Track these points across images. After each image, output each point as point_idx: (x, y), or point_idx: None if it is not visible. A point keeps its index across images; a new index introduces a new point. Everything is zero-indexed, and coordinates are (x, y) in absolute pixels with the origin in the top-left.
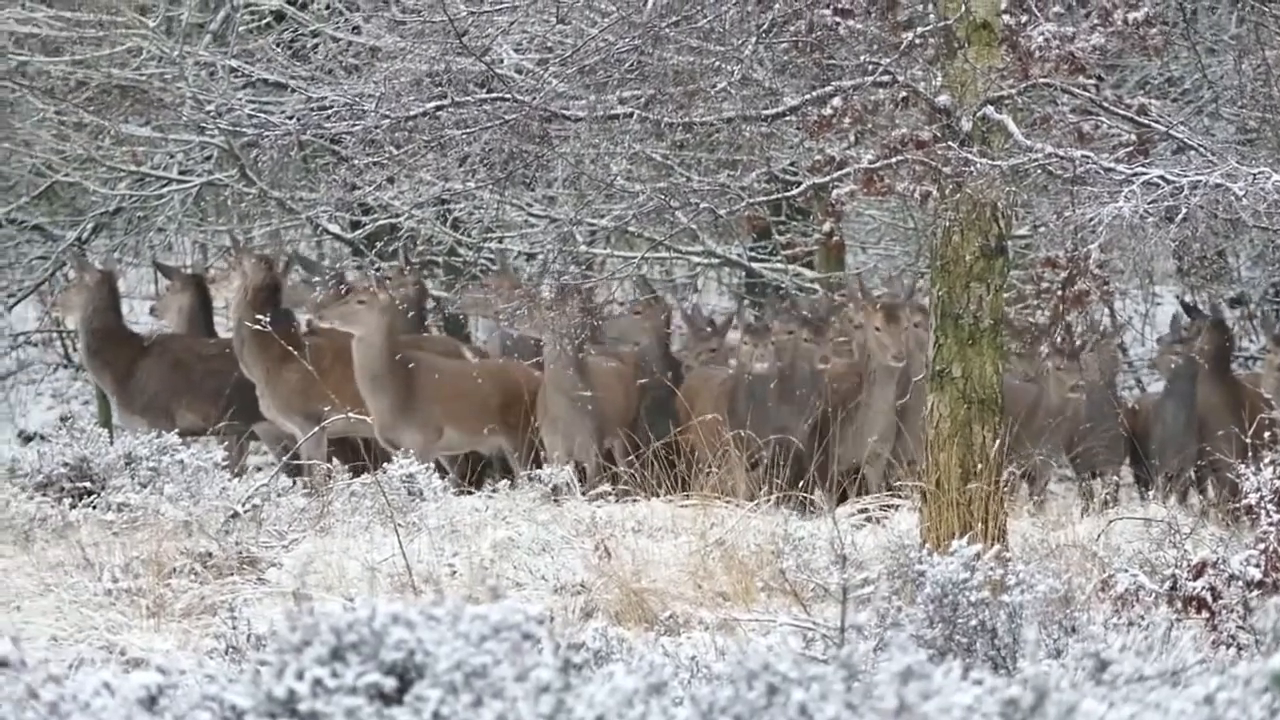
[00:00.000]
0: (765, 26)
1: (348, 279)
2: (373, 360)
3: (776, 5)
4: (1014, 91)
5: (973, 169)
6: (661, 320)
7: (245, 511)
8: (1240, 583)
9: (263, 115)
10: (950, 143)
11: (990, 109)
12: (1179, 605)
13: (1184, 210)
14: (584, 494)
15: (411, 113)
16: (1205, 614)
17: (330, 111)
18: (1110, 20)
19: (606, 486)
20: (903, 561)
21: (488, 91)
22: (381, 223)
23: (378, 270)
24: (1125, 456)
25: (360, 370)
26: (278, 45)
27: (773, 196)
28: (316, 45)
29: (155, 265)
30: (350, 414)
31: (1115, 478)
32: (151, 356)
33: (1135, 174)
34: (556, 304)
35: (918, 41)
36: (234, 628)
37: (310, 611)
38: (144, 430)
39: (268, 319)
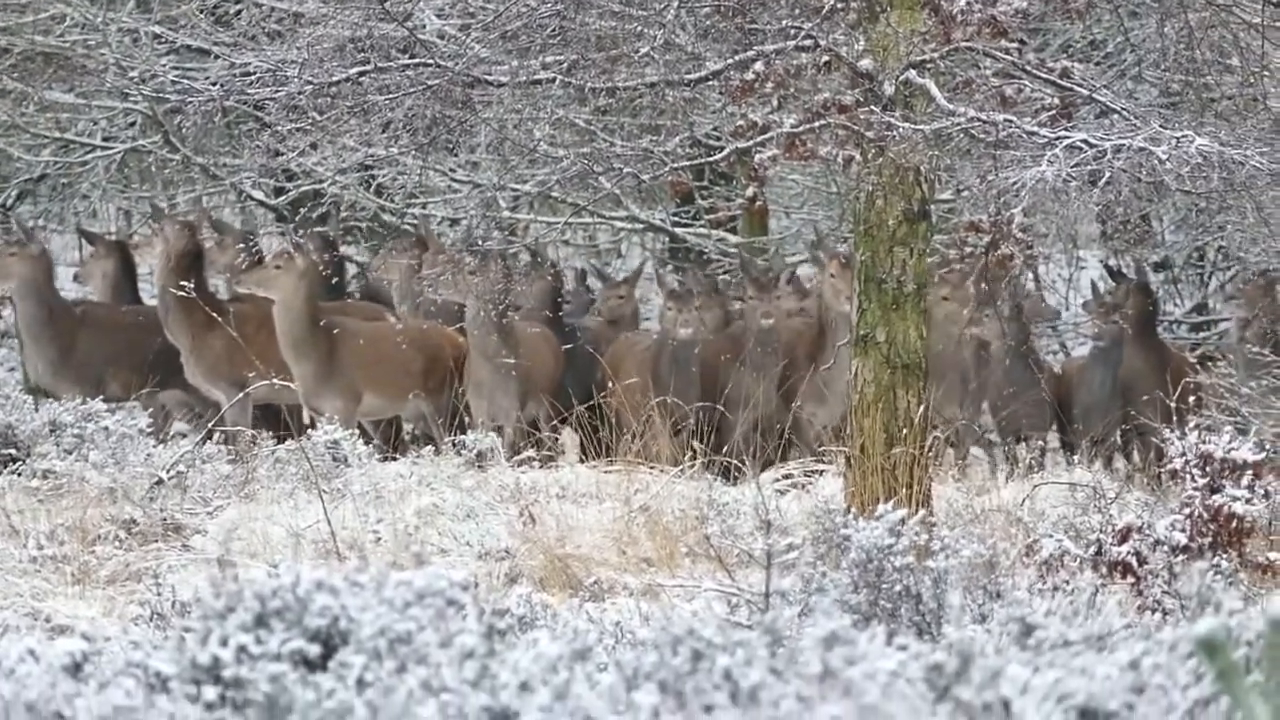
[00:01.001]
0: None
1: (258, 242)
2: (293, 325)
3: None
4: (936, 55)
5: (895, 133)
6: (546, 285)
7: (170, 478)
8: (1165, 548)
9: (186, 81)
10: (873, 107)
11: (913, 73)
12: (1104, 570)
13: (1107, 174)
14: (508, 459)
15: (334, 78)
16: (1130, 579)
17: (253, 78)
18: None
19: (531, 452)
20: (827, 527)
21: (410, 57)
22: (305, 189)
23: (300, 235)
24: (1051, 421)
25: (282, 336)
26: (201, 11)
27: (696, 161)
28: (240, 11)
29: (79, 232)
30: (275, 380)
31: (1040, 442)
32: (88, 326)
33: (1058, 138)
34: (479, 268)
35: (839, 6)
36: (159, 594)
37: (234, 578)
38: (71, 397)
39: (191, 285)
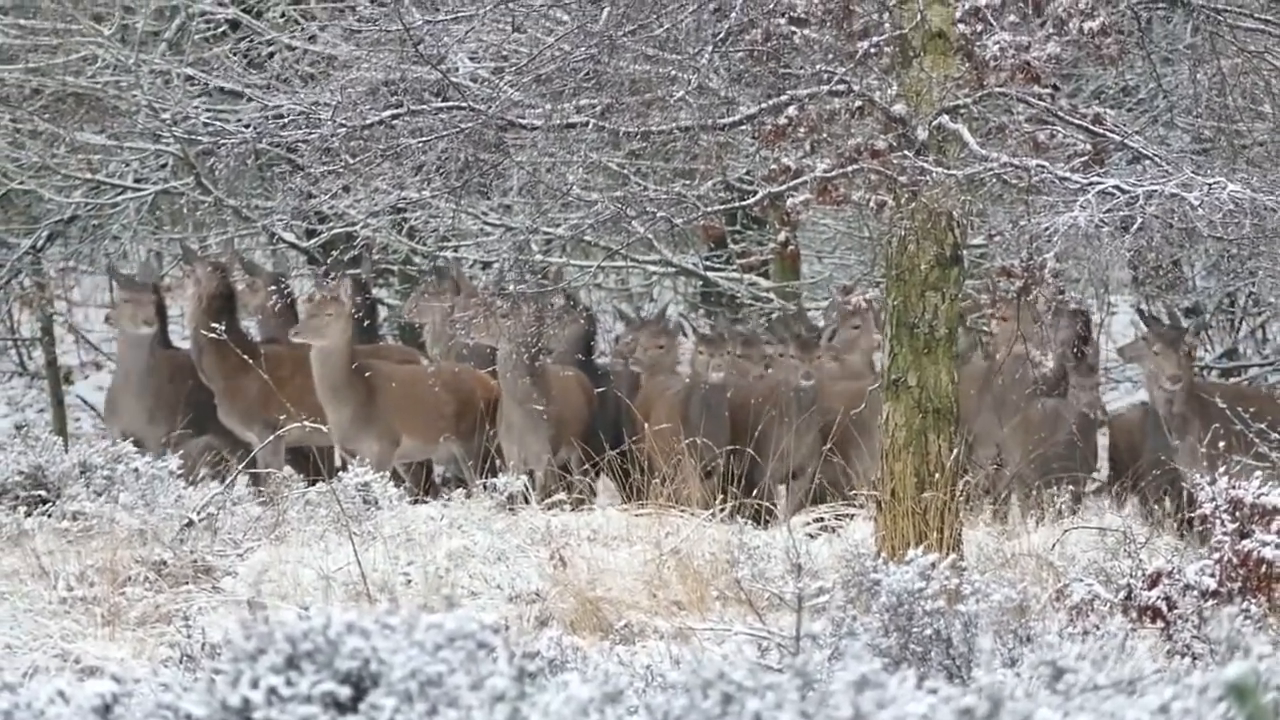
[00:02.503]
0: (721, 35)
1: (290, 284)
2: (335, 371)
3: (732, 14)
4: (969, 100)
5: (928, 178)
6: (579, 328)
7: (200, 520)
8: (1195, 592)
9: (218, 123)
10: (905, 152)
11: (945, 118)
12: (1134, 615)
13: (1139, 219)
14: (539, 503)
15: (367, 121)
16: (1160, 624)
17: (286, 120)
18: (1065, 29)
19: (562, 495)
20: (858, 570)
21: (443, 100)
22: (337, 231)
23: (331, 278)
24: (1083, 465)
25: (322, 381)
26: (233, 54)
27: (728, 205)
28: (272, 54)
29: (110, 273)
30: (307, 423)
31: (1072, 487)
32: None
33: (1090, 183)
34: (511, 312)
35: (873, 51)
36: (189, 636)
37: (265, 620)
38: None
39: (223, 327)
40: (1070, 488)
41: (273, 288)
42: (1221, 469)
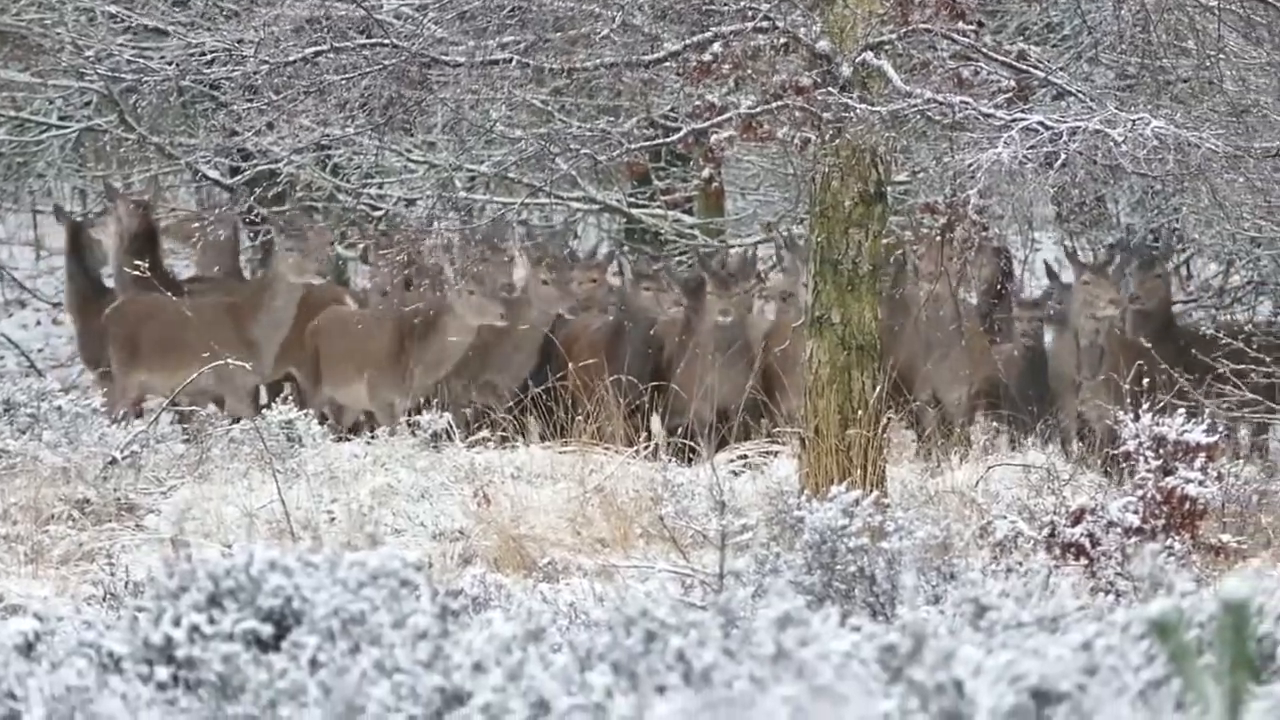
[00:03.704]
0: None
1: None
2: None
3: None
4: (894, 37)
5: (852, 115)
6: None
7: (124, 458)
8: (1119, 529)
9: (142, 61)
10: (830, 88)
11: (870, 55)
12: (1058, 552)
13: (1063, 156)
14: (464, 441)
15: (291, 58)
16: (1084, 561)
17: (210, 57)
18: None
19: (486, 433)
20: (781, 508)
21: (367, 37)
22: (261, 168)
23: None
24: (1007, 402)
25: (443, 357)
26: None
27: (653, 143)
28: None
29: (35, 211)
30: (230, 360)
31: (995, 424)
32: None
33: (1014, 120)
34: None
35: None
36: (112, 574)
37: (188, 558)
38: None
39: (146, 264)
40: (995, 425)
41: (196, 224)
42: (1145, 406)
